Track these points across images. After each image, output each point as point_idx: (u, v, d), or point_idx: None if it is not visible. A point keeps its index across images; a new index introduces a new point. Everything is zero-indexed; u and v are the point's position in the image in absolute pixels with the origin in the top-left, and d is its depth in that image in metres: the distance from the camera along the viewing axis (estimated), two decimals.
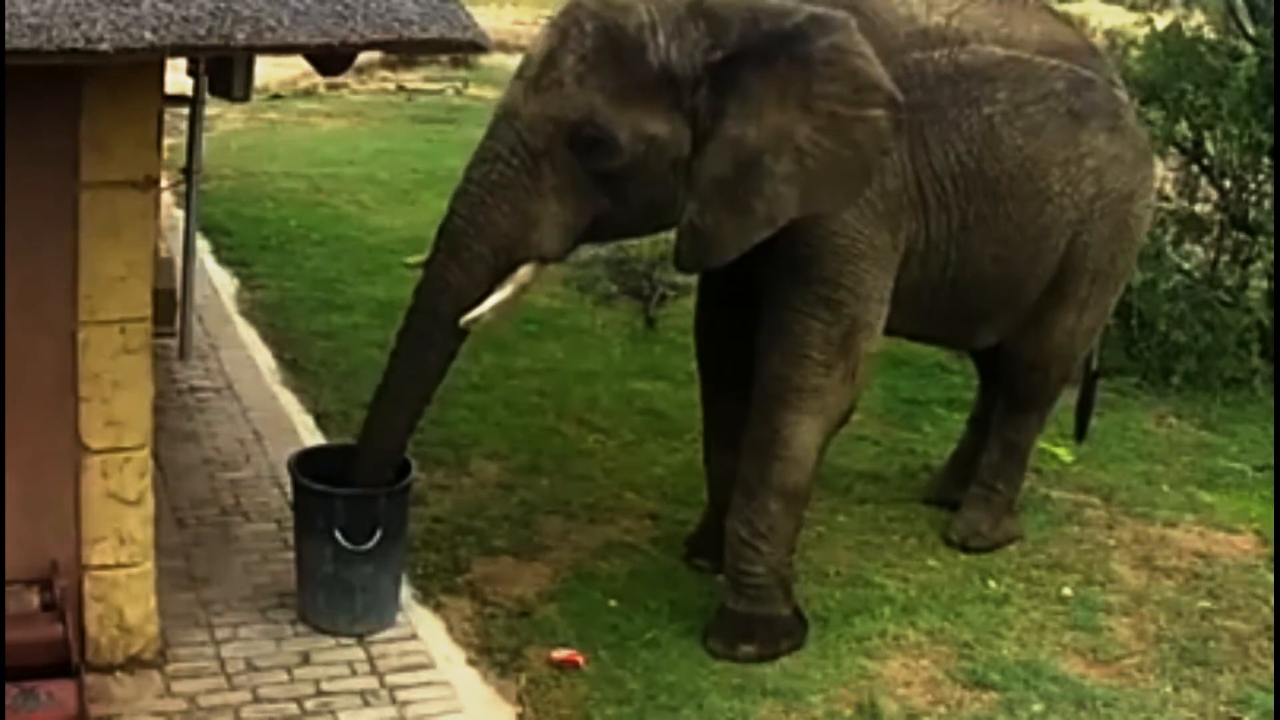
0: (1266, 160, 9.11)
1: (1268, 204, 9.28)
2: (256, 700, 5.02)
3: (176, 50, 4.01)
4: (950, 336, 6.70)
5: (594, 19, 5.04)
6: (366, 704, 5.07)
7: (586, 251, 8.14)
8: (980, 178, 5.72)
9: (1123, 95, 6.36)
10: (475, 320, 5.17)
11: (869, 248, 5.48)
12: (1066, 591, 6.33)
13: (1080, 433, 7.35)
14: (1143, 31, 10.26)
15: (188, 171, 7.22)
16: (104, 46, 3.79)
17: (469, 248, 5.15)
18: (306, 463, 5.59)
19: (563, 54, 5.02)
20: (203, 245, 9.38)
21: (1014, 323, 6.29)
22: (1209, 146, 9.37)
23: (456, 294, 5.17)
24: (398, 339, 5.34)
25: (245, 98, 6.82)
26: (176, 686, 5.03)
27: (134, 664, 5.08)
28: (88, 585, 4.98)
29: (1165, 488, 7.56)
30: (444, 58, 16.84)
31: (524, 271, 5.20)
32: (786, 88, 5.11)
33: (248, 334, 8.60)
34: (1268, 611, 6.31)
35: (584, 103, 5.00)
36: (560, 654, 5.47)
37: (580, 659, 5.45)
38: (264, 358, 8.22)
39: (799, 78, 5.11)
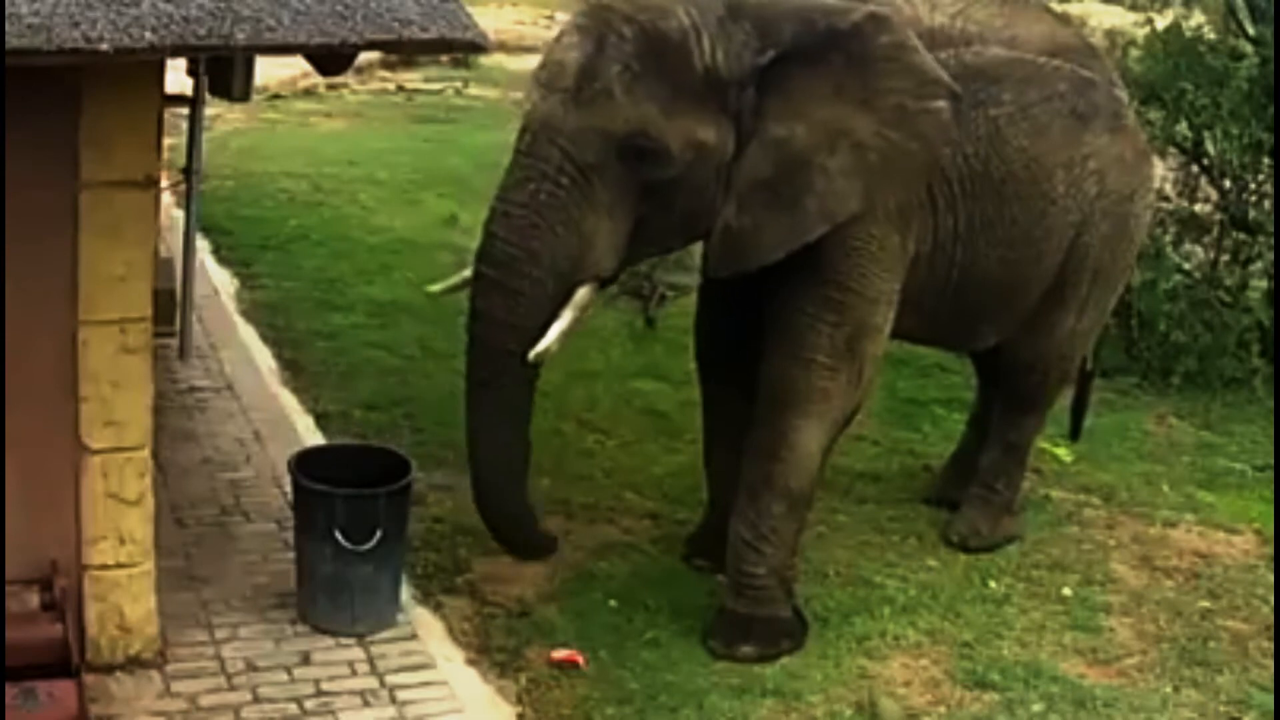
0: (1266, 160, 9.11)
1: (1268, 204, 9.28)
2: (256, 700, 5.02)
3: (176, 50, 4.00)
4: (951, 338, 6.68)
5: (630, 23, 4.89)
6: (366, 704, 5.07)
7: None
8: (986, 179, 5.71)
9: (1123, 95, 6.37)
10: (543, 354, 5.02)
11: (880, 250, 5.46)
12: (1066, 591, 6.33)
13: (1075, 432, 7.35)
14: (1143, 31, 10.26)
15: (188, 171, 7.19)
16: (104, 46, 3.79)
17: (526, 275, 4.97)
18: (307, 463, 5.59)
19: (603, 62, 4.85)
20: (203, 245, 9.35)
21: (1014, 324, 6.28)
22: (1209, 146, 9.36)
23: (519, 329, 4.99)
24: (469, 386, 5.18)
25: (245, 98, 6.80)
26: (176, 686, 5.03)
27: (134, 664, 5.07)
28: (88, 585, 4.98)
29: (1165, 488, 7.56)
30: (444, 58, 16.79)
31: (582, 294, 5.07)
32: (842, 84, 5.07)
33: (248, 334, 8.58)
34: (1268, 611, 6.31)
35: (635, 113, 4.86)
36: (560, 654, 5.47)
37: (580, 659, 5.45)
38: (264, 358, 8.20)
39: (857, 75, 5.07)
